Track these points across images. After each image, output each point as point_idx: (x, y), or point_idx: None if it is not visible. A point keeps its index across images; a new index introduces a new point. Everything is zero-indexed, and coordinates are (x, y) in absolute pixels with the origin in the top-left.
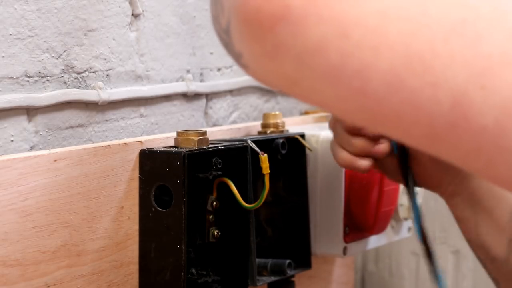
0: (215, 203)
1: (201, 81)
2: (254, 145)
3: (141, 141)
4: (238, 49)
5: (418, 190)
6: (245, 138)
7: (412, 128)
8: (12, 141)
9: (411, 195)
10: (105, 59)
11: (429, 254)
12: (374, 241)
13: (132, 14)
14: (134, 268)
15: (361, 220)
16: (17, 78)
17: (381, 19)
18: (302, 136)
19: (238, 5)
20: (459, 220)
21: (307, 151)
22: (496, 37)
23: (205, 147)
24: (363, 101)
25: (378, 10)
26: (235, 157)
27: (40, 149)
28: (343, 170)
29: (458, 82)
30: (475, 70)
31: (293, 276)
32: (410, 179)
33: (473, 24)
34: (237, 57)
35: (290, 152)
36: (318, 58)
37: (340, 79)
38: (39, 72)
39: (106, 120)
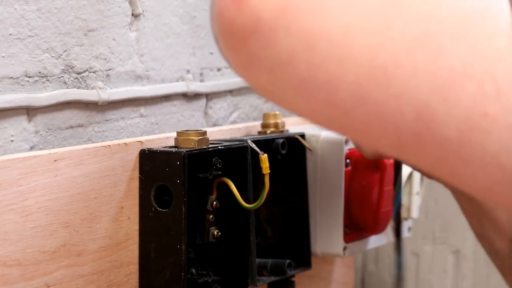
0: (215, 203)
1: (201, 81)
2: (254, 145)
3: (141, 141)
4: (225, 56)
5: (417, 190)
6: (245, 138)
7: (380, 139)
8: (12, 141)
9: (398, 184)
10: (105, 59)
11: (399, 247)
12: (374, 241)
13: (132, 14)
14: (134, 268)
15: (361, 220)
16: (17, 78)
17: (346, 32)
18: (302, 136)
19: (217, 16)
20: (463, 211)
21: (307, 151)
22: (459, 50)
23: (205, 147)
24: (331, 112)
25: (343, 23)
26: (235, 157)
27: (40, 149)
28: (343, 170)
29: (421, 94)
30: (438, 82)
31: (293, 276)
32: (399, 168)
33: (436, 37)
34: (228, 63)
35: (290, 152)
36: (288, 70)
37: (309, 91)
38: (39, 72)
39: (106, 120)
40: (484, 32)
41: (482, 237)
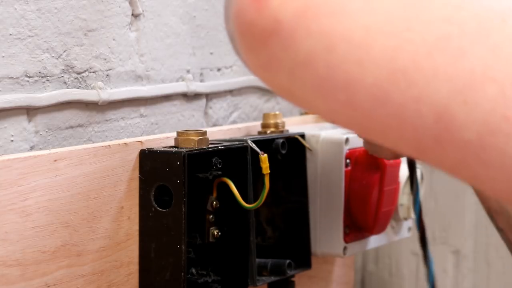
0: (215, 203)
1: (201, 81)
2: (254, 145)
3: (141, 141)
4: (242, 58)
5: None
6: (245, 138)
7: (400, 140)
8: (12, 141)
9: (414, 186)
10: (105, 59)
11: (423, 240)
12: (374, 241)
13: (132, 14)
14: (134, 268)
15: (361, 220)
16: (17, 78)
17: (366, 33)
18: (302, 136)
19: (236, 17)
20: (488, 210)
21: (307, 151)
22: (479, 53)
23: (205, 147)
24: (351, 114)
25: (363, 25)
26: (235, 157)
27: (40, 149)
28: (343, 170)
29: (440, 97)
30: (458, 85)
31: (293, 276)
32: (414, 176)
33: (457, 40)
34: (245, 64)
35: (290, 152)
36: (307, 71)
37: (328, 92)
38: (39, 72)
39: (106, 120)
40: (504, 35)
41: (509, 238)
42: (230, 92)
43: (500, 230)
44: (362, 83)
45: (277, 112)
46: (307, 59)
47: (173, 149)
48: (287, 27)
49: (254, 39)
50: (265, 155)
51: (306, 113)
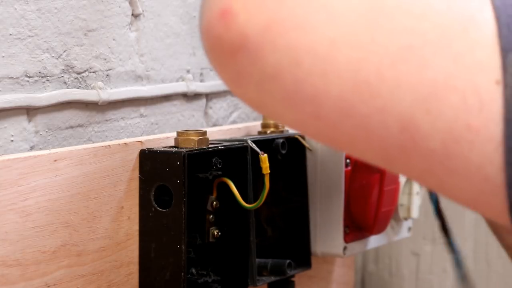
0: (215, 203)
1: (201, 81)
2: (254, 145)
3: (141, 141)
4: (215, 70)
5: (417, 190)
6: (245, 138)
7: (366, 150)
8: (12, 141)
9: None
10: (105, 59)
11: (445, 228)
12: (374, 241)
13: (132, 14)
14: (134, 268)
15: (361, 220)
16: (17, 78)
17: (331, 46)
18: (302, 136)
19: (205, 32)
20: (490, 223)
21: (307, 151)
22: (441, 62)
23: (205, 147)
24: (318, 126)
25: (328, 37)
26: (235, 157)
27: (40, 149)
28: (343, 170)
29: (404, 107)
30: (421, 95)
31: (293, 276)
32: None
33: (419, 50)
34: (218, 76)
35: (290, 152)
36: (275, 84)
37: (296, 104)
38: (39, 72)
39: (106, 120)
40: (466, 44)
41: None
42: (230, 92)
43: (502, 244)
44: (328, 95)
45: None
46: (274, 73)
47: (173, 149)
48: (253, 42)
49: (223, 54)
50: (265, 155)
51: None
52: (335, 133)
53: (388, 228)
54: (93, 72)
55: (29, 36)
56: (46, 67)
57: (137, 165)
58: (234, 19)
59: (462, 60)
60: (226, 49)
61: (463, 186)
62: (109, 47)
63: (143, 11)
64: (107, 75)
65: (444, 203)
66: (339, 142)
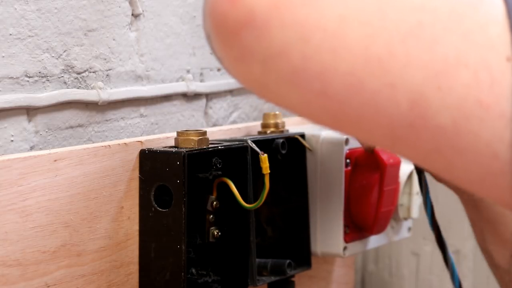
0: (215, 203)
1: (201, 81)
2: (254, 145)
3: (141, 141)
4: (217, 54)
5: (417, 190)
6: (245, 138)
7: (374, 129)
8: (12, 141)
9: (424, 187)
10: (105, 59)
11: (441, 242)
12: (374, 241)
13: (132, 14)
14: (134, 268)
15: (361, 220)
16: (17, 78)
17: (340, 23)
18: (302, 136)
19: (209, 11)
20: (469, 220)
21: (307, 151)
22: (452, 39)
23: (205, 147)
24: (325, 104)
25: (337, 14)
26: (235, 157)
27: (40, 149)
28: (343, 170)
29: (415, 83)
30: (431, 72)
31: (293, 276)
32: (423, 176)
33: (430, 27)
34: (220, 62)
35: (290, 152)
36: (281, 62)
37: (302, 82)
38: (39, 72)
39: (106, 120)
40: (477, 21)
41: (483, 250)
42: (230, 92)
43: (478, 243)
44: (337, 71)
45: (277, 112)
46: (281, 50)
47: (173, 149)
48: (260, 18)
49: (228, 31)
50: (265, 155)
51: None
52: (342, 112)
53: (388, 228)
54: (93, 72)
55: (29, 36)
56: (46, 67)
57: (137, 165)
58: None
59: (473, 37)
60: (231, 25)
61: (471, 166)
62: (109, 47)
63: (143, 11)
64: (107, 75)
65: (444, 205)
66: (346, 122)
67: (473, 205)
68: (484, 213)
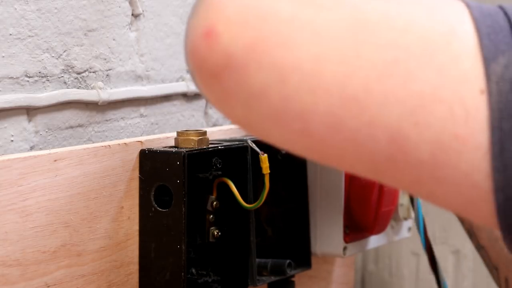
0: (215, 203)
1: None
2: (254, 145)
3: (141, 141)
4: (201, 93)
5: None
6: (245, 138)
7: (356, 164)
8: (12, 141)
9: (416, 206)
10: (105, 59)
11: (434, 263)
12: (374, 241)
13: (132, 14)
14: (134, 268)
15: (361, 220)
16: (17, 78)
17: (317, 62)
18: None
19: (190, 54)
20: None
21: None
22: (427, 74)
23: (205, 147)
24: (307, 142)
25: (313, 54)
26: (235, 157)
27: (40, 149)
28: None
29: (392, 120)
30: (408, 108)
31: (293, 276)
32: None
33: (404, 63)
34: (204, 97)
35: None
36: (262, 103)
37: (283, 122)
38: (39, 72)
39: (106, 120)
40: (450, 55)
41: (470, 233)
42: None
43: (480, 247)
44: (316, 111)
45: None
46: (261, 91)
47: (173, 149)
48: (238, 61)
49: (208, 75)
50: (265, 155)
51: None
52: (324, 149)
53: (388, 228)
54: (93, 72)
55: (29, 36)
56: (46, 67)
57: (137, 165)
58: (218, 39)
59: (447, 72)
60: (211, 69)
61: (453, 194)
62: (109, 47)
63: (143, 11)
64: (107, 75)
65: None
66: (328, 157)
67: None
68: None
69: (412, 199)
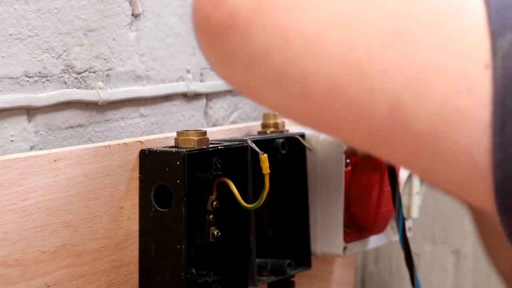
0: (215, 203)
1: (201, 81)
2: (254, 145)
3: (141, 141)
4: (204, 54)
5: (417, 190)
6: (245, 138)
7: (354, 132)
8: (12, 141)
9: (398, 205)
10: (105, 59)
11: (410, 261)
12: (374, 241)
13: (132, 14)
14: (134, 268)
15: (361, 220)
16: (17, 78)
17: (321, 27)
18: (302, 136)
19: (194, 13)
20: (478, 233)
21: (307, 151)
22: (431, 45)
23: (205, 147)
24: (306, 107)
25: (318, 19)
26: (235, 157)
27: (40, 149)
28: (343, 170)
29: (394, 89)
30: (410, 77)
31: (293, 276)
32: (397, 192)
33: (410, 33)
34: (207, 60)
35: (290, 152)
36: (263, 65)
37: (283, 85)
38: (39, 72)
39: (106, 120)
40: (457, 28)
41: (491, 257)
42: (230, 92)
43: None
44: (318, 76)
45: (277, 112)
46: (263, 53)
47: (173, 149)
48: (242, 22)
49: (211, 34)
50: (265, 155)
51: None
52: (322, 115)
53: (388, 228)
54: (93, 72)
55: (29, 36)
56: (46, 67)
57: (137, 165)
58: None
59: (452, 44)
60: (214, 28)
61: (450, 170)
62: (109, 47)
63: (143, 11)
64: (107, 75)
65: (444, 205)
66: (326, 125)
67: (477, 213)
68: (489, 219)
69: (394, 198)
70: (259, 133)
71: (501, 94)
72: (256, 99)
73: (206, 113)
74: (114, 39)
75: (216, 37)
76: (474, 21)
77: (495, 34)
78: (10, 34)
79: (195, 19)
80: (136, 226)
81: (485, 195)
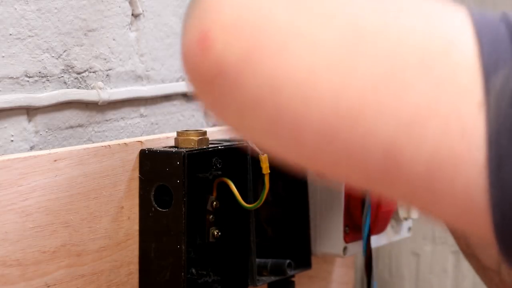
0: (215, 203)
1: None
2: (254, 145)
3: (141, 141)
4: (198, 100)
5: None
6: None
7: (349, 175)
8: (12, 141)
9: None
10: (105, 59)
11: (369, 267)
12: (374, 241)
13: (132, 14)
14: (134, 268)
15: (361, 220)
16: (17, 78)
17: (311, 72)
18: None
19: (183, 58)
20: (450, 230)
21: None
22: (423, 87)
23: (205, 147)
24: (300, 151)
25: (308, 64)
26: (235, 157)
27: (40, 149)
28: None
29: (387, 133)
30: (403, 120)
31: (293, 276)
32: (367, 198)
33: (401, 75)
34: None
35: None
36: (255, 112)
37: (277, 131)
38: (39, 72)
39: (106, 120)
40: (447, 68)
41: (468, 255)
42: None
43: (486, 268)
44: (309, 121)
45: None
46: (255, 100)
47: (173, 149)
48: (232, 70)
49: (201, 81)
50: (265, 155)
51: None
52: (317, 159)
53: (388, 228)
54: (93, 72)
55: (29, 36)
56: (46, 67)
57: (137, 165)
58: (212, 46)
59: (444, 85)
60: (204, 76)
61: (448, 209)
62: (109, 47)
63: (143, 11)
64: (107, 75)
65: None
66: (321, 168)
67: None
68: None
69: (363, 204)
70: None
71: (495, 133)
72: (252, 141)
73: (206, 113)
74: (114, 39)
75: (206, 84)
76: (466, 59)
77: (488, 72)
78: (10, 34)
79: (184, 65)
80: (136, 226)
81: (484, 230)
